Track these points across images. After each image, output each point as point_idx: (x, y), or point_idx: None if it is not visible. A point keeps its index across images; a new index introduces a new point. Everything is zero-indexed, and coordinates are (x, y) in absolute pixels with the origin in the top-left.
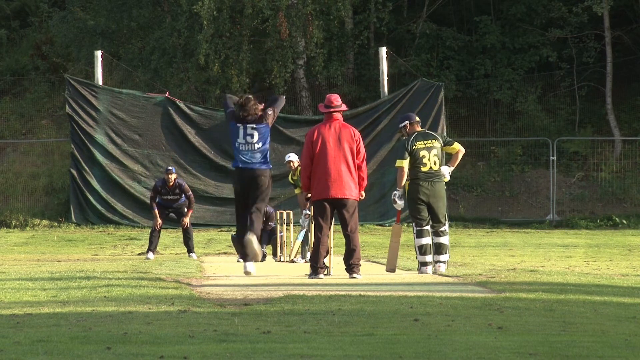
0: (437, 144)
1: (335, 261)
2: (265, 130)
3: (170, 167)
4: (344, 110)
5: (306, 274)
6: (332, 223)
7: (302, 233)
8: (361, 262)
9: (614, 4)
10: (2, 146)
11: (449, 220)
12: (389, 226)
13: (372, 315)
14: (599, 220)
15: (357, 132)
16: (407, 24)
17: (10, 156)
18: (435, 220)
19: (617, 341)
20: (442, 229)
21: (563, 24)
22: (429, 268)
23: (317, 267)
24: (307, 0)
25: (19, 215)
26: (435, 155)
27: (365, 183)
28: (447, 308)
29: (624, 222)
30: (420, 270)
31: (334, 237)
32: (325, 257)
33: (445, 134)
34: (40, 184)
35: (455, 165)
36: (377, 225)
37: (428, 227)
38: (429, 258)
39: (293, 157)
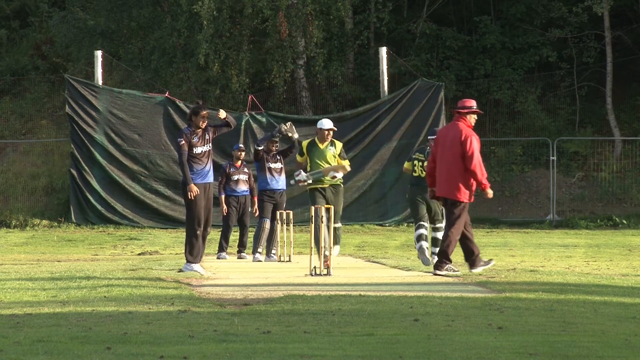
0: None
1: (336, 261)
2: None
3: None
4: (464, 113)
5: (308, 272)
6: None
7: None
8: (445, 261)
9: (614, 4)
10: (2, 146)
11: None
12: (389, 226)
13: (372, 315)
14: (599, 220)
15: (464, 134)
16: (407, 24)
17: (10, 156)
18: None
19: (617, 341)
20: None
21: (563, 24)
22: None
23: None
24: (307, 0)
25: (19, 215)
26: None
27: (479, 182)
28: (447, 308)
29: (624, 222)
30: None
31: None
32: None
33: None
34: (40, 184)
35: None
36: (377, 225)
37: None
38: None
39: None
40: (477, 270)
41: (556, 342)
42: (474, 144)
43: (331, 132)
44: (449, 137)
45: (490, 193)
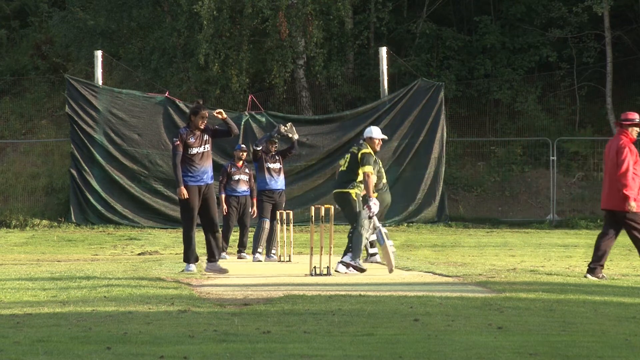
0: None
1: (334, 260)
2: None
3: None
4: (627, 125)
5: (308, 272)
6: None
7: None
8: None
9: (614, 4)
10: (2, 146)
11: (449, 220)
12: (388, 226)
13: (372, 315)
14: (599, 220)
15: (621, 143)
16: (407, 24)
17: (10, 156)
18: None
19: (617, 341)
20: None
21: (563, 24)
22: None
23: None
24: (307, 0)
25: (19, 215)
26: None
27: (624, 194)
28: (447, 308)
29: None
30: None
31: (334, 237)
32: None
33: (445, 134)
34: (40, 184)
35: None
36: None
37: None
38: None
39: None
40: (591, 278)
41: (556, 342)
42: (627, 153)
43: (381, 142)
44: (612, 149)
45: (633, 206)
